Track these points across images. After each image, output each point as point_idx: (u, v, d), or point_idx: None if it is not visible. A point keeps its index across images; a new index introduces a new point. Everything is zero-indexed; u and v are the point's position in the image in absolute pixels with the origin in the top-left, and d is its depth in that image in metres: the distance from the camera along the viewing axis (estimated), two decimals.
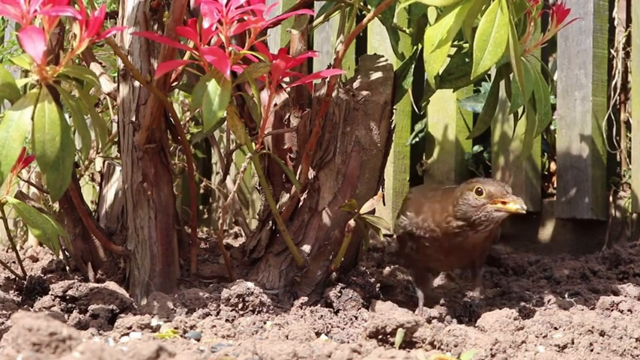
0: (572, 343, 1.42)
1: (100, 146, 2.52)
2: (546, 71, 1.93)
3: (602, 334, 1.45)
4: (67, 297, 1.62)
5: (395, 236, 1.84)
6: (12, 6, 1.29)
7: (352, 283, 1.71)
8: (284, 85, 1.71)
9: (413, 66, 1.83)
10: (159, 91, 1.62)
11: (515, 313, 1.48)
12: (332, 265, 1.70)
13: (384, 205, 2.10)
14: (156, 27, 1.73)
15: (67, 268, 1.96)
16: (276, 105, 1.74)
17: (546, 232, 2.48)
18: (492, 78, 1.81)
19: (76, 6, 1.34)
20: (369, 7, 1.71)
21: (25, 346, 1.04)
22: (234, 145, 2.68)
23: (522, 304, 1.72)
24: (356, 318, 1.62)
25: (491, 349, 1.33)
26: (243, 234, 2.60)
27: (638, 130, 2.28)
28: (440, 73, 1.78)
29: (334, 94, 1.69)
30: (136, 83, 1.71)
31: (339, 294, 1.66)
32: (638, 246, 2.16)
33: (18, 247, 2.72)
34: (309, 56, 1.64)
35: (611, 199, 2.38)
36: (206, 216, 3.24)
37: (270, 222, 1.73)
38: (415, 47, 1.84)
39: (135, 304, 1.63)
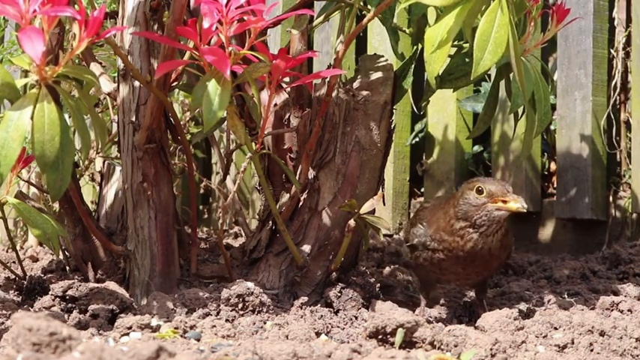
0: (572, 343, 1.42)
1: (99, 146, 2.52)
2: (546, 71, 1.93)
3: (602, 334, 1.45)
4: (67, 297, 1.62)
5: (406, 245, 1.78)
6: (11, 6, 1.29)
7: (352, 283, 1.71)
8: (284, 85, 1.71)
9: (413, 66, 1.83)
10: (159, 91, 1.62)
11: (515, 313, 1.48)
12: (332, 265, 1.70)
13: (384, 205, 2.10)
14: (156, 27, 1.73)
15: (67, 268, 1.96)
16: (276, 105, 1.74)
17: (546, 232, 2.48)
18: (492, 78, 1.81)
19: (75, 6, 1.34)
20: (369, 7, 1.71)
21: (25, 346, 1.04)
22: (234, 145, 2.68)
23: (522, 304, 1.72)
24: (356, 318, 1.62)
25: (491, 349, 1.32)
26: (243, 234, 2.60)
27: (638, 130, 2.28)
28: (440, 73, 1.78)
29: (334, 94, 1.69)
30: (136, 83, 1.70)
31: (339, 294, 1.66)
32: (638, 246, 2.16)
33: (18, 247, 2.72)
34: (309, 56, 1.64)
35: (611, 199, 2.38)
36: (206, 216, 3.24)
37: (270, 222, 1.73)
38: (415, 47, 1.84)
39: (135, 304, 1.62)
